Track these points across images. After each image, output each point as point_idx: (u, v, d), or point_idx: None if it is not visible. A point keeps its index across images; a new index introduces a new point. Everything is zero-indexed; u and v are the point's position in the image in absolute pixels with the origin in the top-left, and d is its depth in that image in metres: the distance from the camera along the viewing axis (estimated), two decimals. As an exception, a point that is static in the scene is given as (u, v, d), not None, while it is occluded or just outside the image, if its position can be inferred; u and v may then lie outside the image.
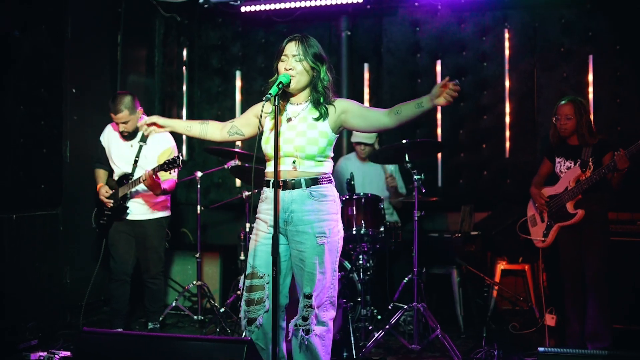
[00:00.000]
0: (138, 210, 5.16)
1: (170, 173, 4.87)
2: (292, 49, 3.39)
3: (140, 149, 5.09)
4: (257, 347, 3.41)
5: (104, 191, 5.12)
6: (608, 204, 4.75)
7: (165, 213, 5.29)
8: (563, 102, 4.76)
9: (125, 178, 5.09)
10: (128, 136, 5.09)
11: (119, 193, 5.11)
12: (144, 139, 5.09)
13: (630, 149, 4.36)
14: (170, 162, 4.63)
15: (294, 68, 3.37)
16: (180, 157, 4.65)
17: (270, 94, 3.24)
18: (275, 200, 3.25)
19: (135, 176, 5.04)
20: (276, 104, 3.26)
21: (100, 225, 5.24)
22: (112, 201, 5.10)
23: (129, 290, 5.23)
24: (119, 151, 5.16)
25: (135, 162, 5.08)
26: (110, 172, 5.26)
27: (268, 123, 3.49)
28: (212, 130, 3.72)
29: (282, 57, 3.41)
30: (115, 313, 5.22)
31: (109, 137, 5.23)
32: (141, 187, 4.99)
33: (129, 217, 5.15)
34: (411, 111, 3.29)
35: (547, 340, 4.79)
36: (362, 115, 3.44)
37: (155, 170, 4.73)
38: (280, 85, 3.29)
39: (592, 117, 4.74)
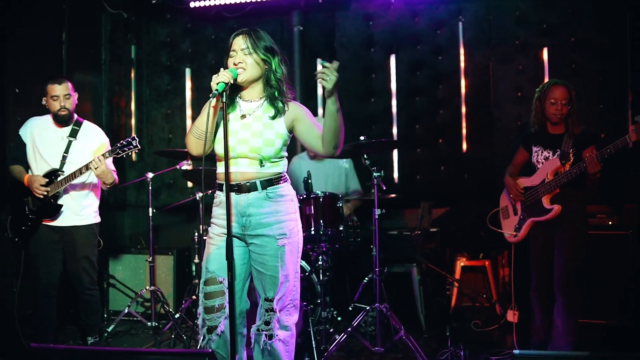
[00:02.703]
0: (65, 215, 4.63)
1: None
2: (239, 43, 3.25)
3: (69, 145, 4.64)
4: (218, 356, 3.26)
5: (38, 180, 4.50)
6: (587, 201, 4.36)
7: (96, 219, 4.79)
8: (555, 83, 4.32)
9: (54, 175, 4.56)
10: (65, 119, 4.62)
11: (50, 191, 4.55)
12: (73, 133, 4.66)
13: (602, 152, 3.91)
14: (125, 144, 4.28)
15: (244, 61, 3.21)
16: (137, 139, 4.31)
17: (217, 90, 3.04)
18: (228, 203, 3.09)
19: (67, 172, 4.54)
20: (224, 100, 3.07)
21: (21, 233, 4.64)
22: (49, 189, 4.50)
23: (55, 304, 4.70)
24: (48, 143, 4.64)
25: (64, 157, 4.61)
26: (27, 170, 4.74)
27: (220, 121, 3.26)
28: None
29: (231, 53, 3.27)
30: (45, 331, 4.66)
31: (34, 130, 4.69)
32: (79, 180, 4.56)
33: (55, 224, 4.61)
34: (327, 122, 3.14)
35: (514, 338, 4.69)
36: (308, 129, 3.27)
37: (105, 156, 4.35)
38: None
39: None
